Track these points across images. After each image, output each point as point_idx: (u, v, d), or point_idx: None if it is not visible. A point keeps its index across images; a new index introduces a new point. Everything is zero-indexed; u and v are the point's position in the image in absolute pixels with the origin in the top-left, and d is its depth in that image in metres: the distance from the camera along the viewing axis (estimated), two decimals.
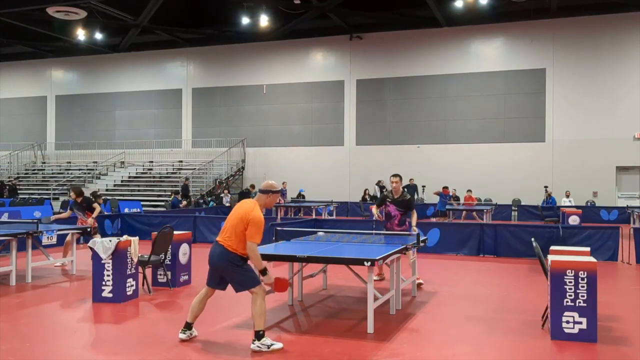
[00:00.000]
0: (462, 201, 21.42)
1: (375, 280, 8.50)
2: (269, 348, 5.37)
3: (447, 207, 19.66)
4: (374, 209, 9.13)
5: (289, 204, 22.79)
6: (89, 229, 10.41)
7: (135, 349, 5.52)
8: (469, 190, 21.76)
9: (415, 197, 25.08)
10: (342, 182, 27.24)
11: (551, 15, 24.39)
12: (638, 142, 23.73)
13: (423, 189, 25.62)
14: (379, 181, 26.23)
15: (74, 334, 6.11)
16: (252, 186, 24.77)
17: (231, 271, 5.47)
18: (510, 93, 25.26)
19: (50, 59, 32.55)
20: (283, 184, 24.88)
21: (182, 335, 5.75)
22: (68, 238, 10.22)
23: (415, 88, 26.54)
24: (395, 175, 8.77)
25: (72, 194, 10.86)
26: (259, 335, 5.39)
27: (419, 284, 8.66)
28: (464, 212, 19.69)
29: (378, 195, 26.37)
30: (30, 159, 32.63)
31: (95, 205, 11.13)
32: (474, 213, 20.19)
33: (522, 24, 24.87)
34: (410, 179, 25.29)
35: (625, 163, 23.96)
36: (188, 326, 5.77)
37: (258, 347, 5.37)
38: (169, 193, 24.95)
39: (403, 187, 8.96)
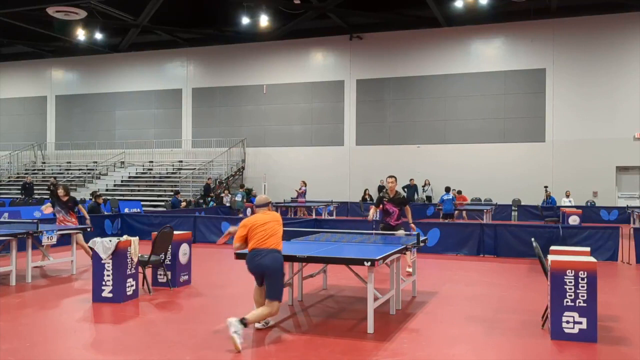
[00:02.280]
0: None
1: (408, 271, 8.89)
2: (232, 333, 5.41)
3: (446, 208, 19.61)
4: (372, 209, 10.02)
5: (289, 204, 22.79)
6: (88, 229, 10.39)
7: (135, 349, 5.52)
8: (459, 191, 21.80)
9: (415, 197, 25.10)
10: (342, 182, 27.24)
11: (551, 15, 24.39)
12: (638, 142, 23.73)
13: (423, 189, 25.62)
14: (382, 181, 26.28)
15: (74, 334, 6.11)
16: (246, 187, 24.66)
17: (279, 276, 5.92)
18: (510, 93, 25.26)
19: (50, 59, 32.56)
20: (302, 182, 24.48)
21: (258, 325, 6.13)
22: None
23: (415, 88, 26.54)
24: (391, 176, 9.76)
25: (60, 190, 10.67)
26: (242, 322, 5.50)
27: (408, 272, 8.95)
28: (456, 212, 19.69)
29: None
30: (30, 159, 32.63)
31: (80, 206, 11.08)
32: (464, 213, 20.25)
33: (522, 24, 24.87)
34: (411, 179, 25.31)
35: (625, 163, 23.95)
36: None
37: (230, 321, 5.46)
38: (170, 193, 24.96)
39: (403, 187, 9.62)
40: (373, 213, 9.86)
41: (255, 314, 5.75)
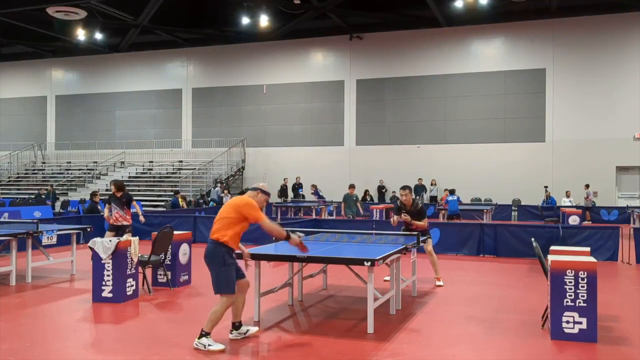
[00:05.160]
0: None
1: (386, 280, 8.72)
2: (205, 348, 5.43)
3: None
4: (395, 217, 8.95)
5: (288, 204, 22.77)
6: (128, 228, 10.38)
7: (135, 349, 5.52)
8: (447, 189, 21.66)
9: (424, 195, 25.13)
10: (342, 182, 27.14)
11: (551, 15, 24.38)
12: (638, 142, 23.72)
13: (430, 189, 25.59)
14: (381, 181, 26.32)
15: (74, 334, 6.11)
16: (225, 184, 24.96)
17: (215, 268, 5.52)
18: (510, 93, 25.25)
19: (50, 59, 32.55)
20: (312, 186, 24.78)
21: (230, 335, 5.82)
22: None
23: (415, 88, 26.53)
24: (404, 188, 8.77)
25: (112, 187, 10.65)
26: (200, 335, 5.50)
27: (439, 286, 8.85)
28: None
29: (377, 196, 26.45)
30: (30, 159, 32.62)
31: (134, 202, 10.91)
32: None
33: (522, 24, 24.87)
34: (419, 179, 25.37)
35: (625, 163, 23.95)
36: (235, 326, 5.84)
37: (196, 345, 5.48)
38: (170, 193, 24.96)
39: (413, 198, 8.90)
40: (396, 220, 8.86)
41: (210, 320, 5.53)
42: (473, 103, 25.70)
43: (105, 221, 15.15)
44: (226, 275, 5.50)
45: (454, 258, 12.15)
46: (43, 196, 24.67)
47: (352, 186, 18.51)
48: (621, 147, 23.77)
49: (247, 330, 5.89)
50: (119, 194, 10.60)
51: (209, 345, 5.45)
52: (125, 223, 10.54)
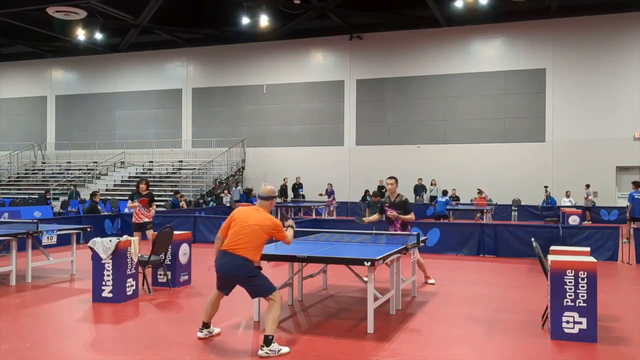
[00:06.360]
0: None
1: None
2: (277, 353, 5.27)
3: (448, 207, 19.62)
4: (372, 216, 9.16)
5: (288, 204, 22.77)
6: (149, 224, 10.82)
7: (135, 349, 5.52)
8: (479, 191, 21.63)
9: (423, 195, 25.11)
10: (342, 182, 27.23)
11: (551, 15, 24.38)
12: (638, 142, 23.72)
13: (430, 189, 25.59)
14: (381, 181, 26.28)
15: (74, 334, 6.11)
16: (250, 189, 25.00)
17: (249, 281, 5.48)
18: (510, 93, 25.25)
19: (50, 59, 32.55)
20: (329, 184, 24.80)
21: (199, 334, 5.82)
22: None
23: (415, 88, 26.53)
24: (390, 177, 8.74)
25: (142, 185, 11.02)
26: (268, 341, 5.26)
27: (431, 284, 8.89)
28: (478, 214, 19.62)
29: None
30: (30, 159, 32.62)
31: (154, 205, 11.20)
32: (479, 214, 20.17)
33: (522, 24, 24.87)
34: (419, 179, 25.38)
35: (625, 163, 23.95)
36: (205, 325, 5.85)
37: (267, 353, 5.23)
38: (170, 193, 24.97)
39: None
40: (373, 219, 8.88)
41: (269, 322, 5.33)
42: (473, 103, 25.70)
43: (108, 221, 15.23)
44: (264, 278, 5.53)
45: (454, 258, 12.15)
46: (61, 197, 24.88)
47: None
48: (621, 147, 23.77)
49: (214, 330, 5.92)
50: (145, 192, 11.03)
51: (279, 350, 5.30)
52: (146, 220, 10.99)
